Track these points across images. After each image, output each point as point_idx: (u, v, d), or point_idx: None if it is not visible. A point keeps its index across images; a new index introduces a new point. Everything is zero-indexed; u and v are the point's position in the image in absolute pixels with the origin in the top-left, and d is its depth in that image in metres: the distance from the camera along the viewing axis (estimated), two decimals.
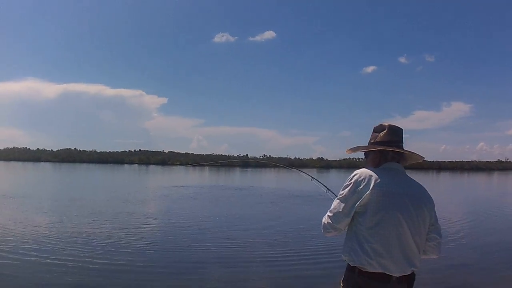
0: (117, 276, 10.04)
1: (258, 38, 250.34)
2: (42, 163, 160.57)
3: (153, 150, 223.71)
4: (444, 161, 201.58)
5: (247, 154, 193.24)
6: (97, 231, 15.54)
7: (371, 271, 3.46)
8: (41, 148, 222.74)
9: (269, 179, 70.67)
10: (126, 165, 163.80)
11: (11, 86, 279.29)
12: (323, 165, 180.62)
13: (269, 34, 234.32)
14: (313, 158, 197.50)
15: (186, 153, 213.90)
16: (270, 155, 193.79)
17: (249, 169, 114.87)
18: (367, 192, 3.48)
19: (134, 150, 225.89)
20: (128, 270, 10.53)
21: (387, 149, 3.73)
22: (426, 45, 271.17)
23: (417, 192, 3.66)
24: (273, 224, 18.88)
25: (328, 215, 3.69)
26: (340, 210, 3.59)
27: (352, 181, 3.59)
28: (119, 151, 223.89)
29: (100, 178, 65.31)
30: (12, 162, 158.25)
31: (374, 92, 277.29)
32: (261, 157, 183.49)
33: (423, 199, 3.64)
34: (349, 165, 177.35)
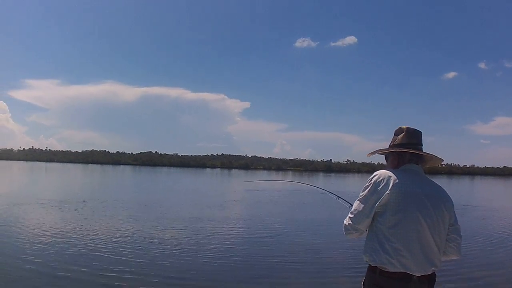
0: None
1: (339, 43, 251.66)
2: (122, 166, 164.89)
3: (236, 154, 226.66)
4: None
5: (330, 159, 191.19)
6: (177, 237, 15.17)
7: (392, 270, 3.50)
8: (120, 151, 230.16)
9: (352, 183, 71.58)
10: (208, 169, 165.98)
11: (90, 89, 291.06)
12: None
13: (350, 40, 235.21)
14: None
15: (270, 158, 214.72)
16: (353, 160, 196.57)
17: (332, 174, 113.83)
18: (387, 192, 3.55)
19: (217, 154, 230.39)
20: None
21: (403, 151, 3.84)
22: (505, 50, 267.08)
23: (436, 192, 3.73)
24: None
25: (349, 217, 3.76)
26: (361, 211, 3.66)
27: (372, 182, 3.67)
28: (201, 155, 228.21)
29: (181, 182, 65.35)
30: (91, 164, 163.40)
31: (454, 98, 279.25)
32: (345, 162, 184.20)
33: (442, 199, 3.72)
34: (432, 170, 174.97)
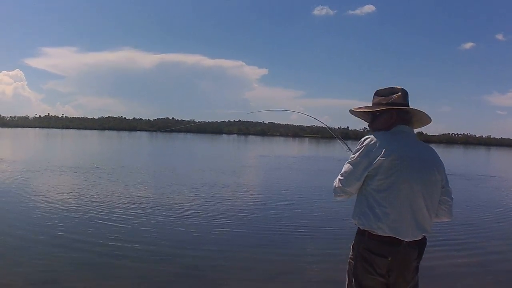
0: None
1: (358, 11, 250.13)
2: (138, 132, 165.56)
3: (253, 121, 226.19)
4: None
5: (347, 127, 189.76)
6: (191, 202, 15.13)
7: (382, 234, 3.50)
8: (137, 117, 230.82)
9: None
10: (224, 135, 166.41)
11: (107, 56, 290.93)
12: (422, 139, 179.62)
13: (369, 8, 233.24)
14: (437, 134, 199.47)
15: (287, 124, 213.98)
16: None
17: (349, 141, 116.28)
18: (379, 156, 3.50)
19: (234, 121, 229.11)
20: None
21: (405, 108, 3.78)
22: None
23: (429, 155, 3.73)
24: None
25: (339, 179, 3.74)
26: (351, 174, 3.64)
27: (364, 144, 3.60)
28: (218, 121, 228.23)
29: (197, 148, 65.55)
30: (107, 131, 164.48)
31: (471, 69, 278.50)
32: (361, 130, 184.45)
33: (435, 162, 3.71)
34: (448, 140, 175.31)
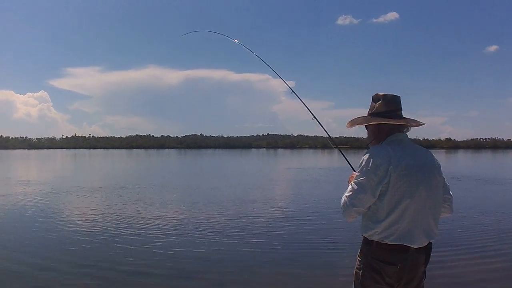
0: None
1: (381, 19, 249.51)
2: (167, 150, 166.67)
3: (281, 134, 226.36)
4: None
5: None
6: (218, 219, 15.18)
7: (390, 243, 3.55)
8: (165, 135, 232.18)
9: None
10: (253, 150, 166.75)
11: (132, 74, 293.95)
12: (451, 145, 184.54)
13: (392, 15, 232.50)
14: (441, 139, 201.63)
15: (315, 136, 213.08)
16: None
17: None
18: (388, 170, 3.53)
19: (262, 134, 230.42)
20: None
21: (381, 123, 3.81)
22: None
23: (430, 160, 3.79)
24: None
25: (351, 201, 3.65)
26: (366, 193, 3.58)
27: (371, 162, 3.59)
28: (246, 135, 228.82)
29: (227, 163, 65.60)
30: (135, 150, 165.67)
31: (497, 71, 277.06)
32: None
33: (435, 166, 3.79)
34: (477, 145, 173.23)
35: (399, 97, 3.93)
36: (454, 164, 62.68)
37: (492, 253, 10.29)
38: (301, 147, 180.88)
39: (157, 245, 10.93)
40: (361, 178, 3.62)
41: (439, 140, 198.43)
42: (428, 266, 3.75)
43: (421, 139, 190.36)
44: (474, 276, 8.59)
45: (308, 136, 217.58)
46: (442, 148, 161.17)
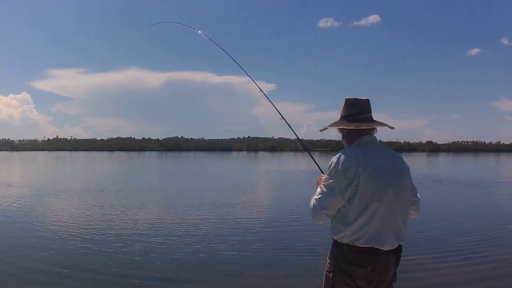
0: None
1: (362, 22, 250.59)
2: (148, 152, 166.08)
3: (262, 137, 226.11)
4: None
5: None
6: (196, 223, 15.08)
7: (360, 246, 3.58)
8: (146, 137, 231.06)
9: None
10: (234, 152, 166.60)
11: (114, 76, 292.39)
12: (432, 148, 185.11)
13: (374, 18, 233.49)
14: (423, 142, 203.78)
15: (296, 139, 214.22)
16: (380, 140, 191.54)
17: None
18: (357, 172, 3.57)
19: (243, 137, 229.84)
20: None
21: (340, 127, 3.98)
22: None
23: (399, 163, 3.84)
24: None
25: (320, 203, 3.68)
26: (335, 196, 3.62)
27: (340, 164, 3.64)
28: (227, 138, 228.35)
29: (207, 166, 65.61)
30: (117, 152, 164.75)
31: (478, 75, 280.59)
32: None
33: (403, 169, 3.83)
34: (458, 148, 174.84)
35: (366, 99, 3.96)
36: (436, 167, 63.48)
37: (472, 256, 10.53)
38: (282, 150, 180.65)
39: (137, 249, 11.01)
40: (330, 181, 3.65)
41: (421, 143, 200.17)
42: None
43: (403, 142, 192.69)
44: (451, 279, 8.84)
45: (289, 139, 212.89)
46: (423, 151, 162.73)
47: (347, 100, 3.96)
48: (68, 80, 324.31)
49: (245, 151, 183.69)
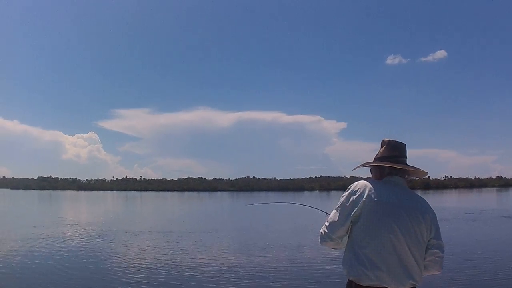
0: None
1: (430, 58, 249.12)
2: (219, 192, 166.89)
3: (334, 176, 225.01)
4: None
5: (428, 176, 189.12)
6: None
7: (367, 284, 3.52)
8: (217, 177, 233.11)
9: (449, 199, 73.12)
10: (306, 192, 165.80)
11: (182, 116, 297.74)
12: (502, 184, 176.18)
13: (441, 54, 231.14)
14: (492, 177, 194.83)
15: (368, 177, 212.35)
16: (451, 176, 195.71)
17: (430, 191, 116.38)
18: (361, 201, 3.60)
19: (315, 177, 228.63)
20: None
21: (380, 165, 3.93)
22: None
23: (415, 203, 3.73)
24: None
25: (325, 225, 3.83)
26: (336, 220, 3.72)
27: (349, 191, 3.74)
28: (299, 178, 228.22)
29: (279, 206, 65.02)
30: (187, 192, 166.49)
31: None
32: (442, 178, 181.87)
33: (420, 210, 3.70)
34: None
35: (404, 144, 4.01)
36: (506, 203, 62.65)
37: None
38: None
39: None
40: (337, 206, 3.78)
41: (491, 178, 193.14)
42: None
43: (473, 178, 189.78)
44: None
45: (361, 177, 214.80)
46: (493, 186, 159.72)
47: (389, 142, 3.98)
48: (135, 120, 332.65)
49: (317, 191, 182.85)
